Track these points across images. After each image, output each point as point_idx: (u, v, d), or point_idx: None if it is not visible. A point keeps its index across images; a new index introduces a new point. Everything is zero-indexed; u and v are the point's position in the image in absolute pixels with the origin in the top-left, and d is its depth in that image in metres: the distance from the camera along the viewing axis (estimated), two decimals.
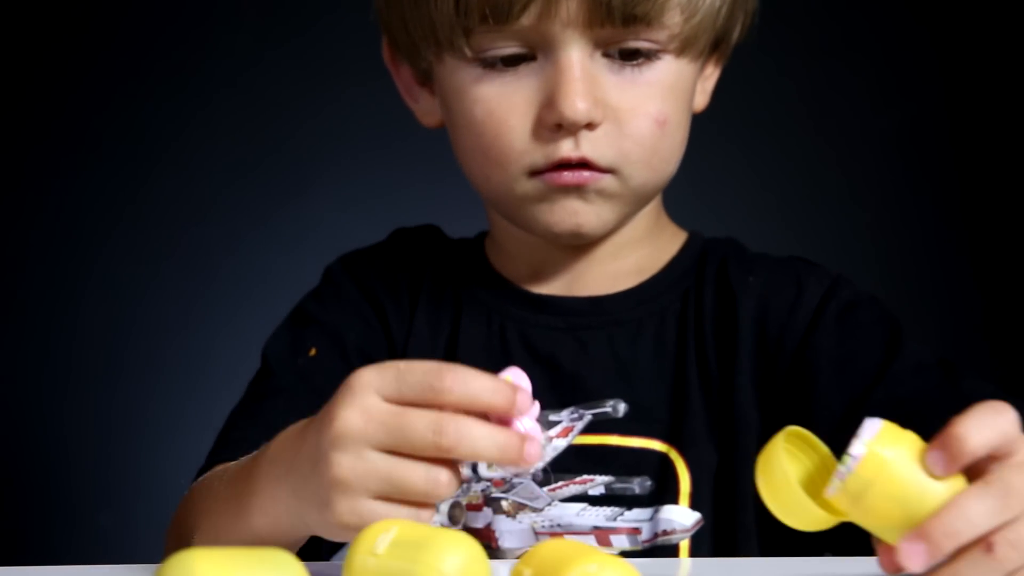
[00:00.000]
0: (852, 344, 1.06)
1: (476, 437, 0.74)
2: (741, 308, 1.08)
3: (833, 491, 0.71)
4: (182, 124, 2.30)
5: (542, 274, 1.13)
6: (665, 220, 1.16)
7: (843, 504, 0.71)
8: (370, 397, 0.75)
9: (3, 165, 2.29)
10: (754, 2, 1.12)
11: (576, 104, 1.00)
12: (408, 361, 0.76)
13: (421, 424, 0.74)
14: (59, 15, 2.28)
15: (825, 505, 0.72)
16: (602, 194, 1.05)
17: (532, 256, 1.13)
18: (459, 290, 1.14)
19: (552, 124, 1.02)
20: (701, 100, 1.14)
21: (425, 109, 1.14)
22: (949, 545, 0.68)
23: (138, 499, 2.24)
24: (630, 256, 1.13)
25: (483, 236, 1.19)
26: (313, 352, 1.11)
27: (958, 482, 0.71)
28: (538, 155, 1.03)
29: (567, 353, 1.09)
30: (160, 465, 2.23)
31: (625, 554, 0.97)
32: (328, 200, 2.29)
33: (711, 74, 1.14)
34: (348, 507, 0.75)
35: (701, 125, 1.13)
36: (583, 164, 1.03)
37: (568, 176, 1.03)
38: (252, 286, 2.28)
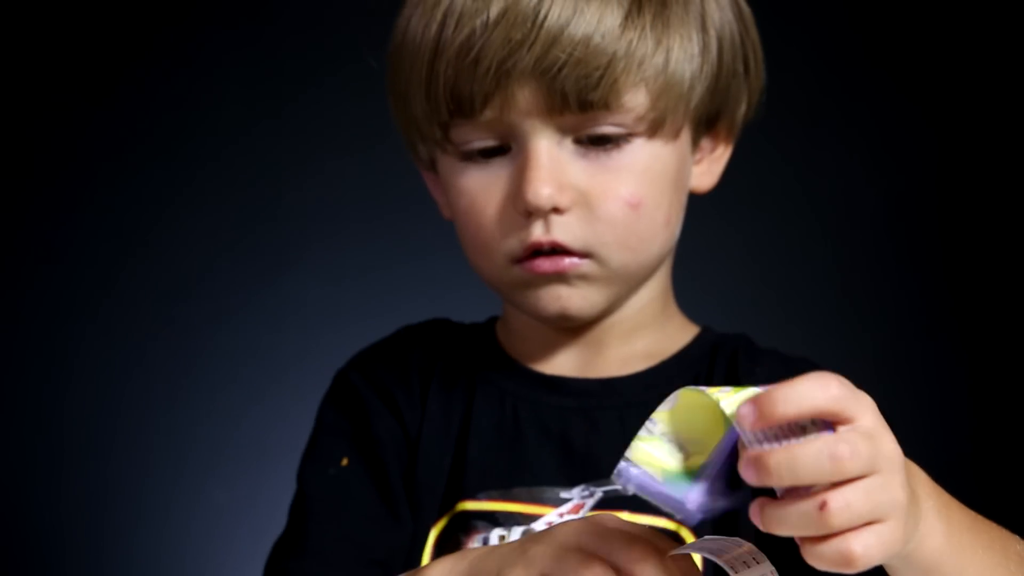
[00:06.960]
0: None
1: None
2: None
3: None
4: (166, 201, 2.30)
5: (554, 357, 1.15)
6: (674, 309, 1.19)
7: None
8: None
9: None
10: (759, 81, 1.15)
11: (539, 190, 1.03)
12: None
13: None
14: (41, 87, 2.28)
15: None
16: (584, 278, 1.08)
17: (543, 339, 1.15)
18: (472, 374, 1.16)
19: (523, 211, 1.05)
20: (706, 180, 1.16)
21: (443, 203, 1.18)
22: (773, 412, 0.68)
23: None
24: (639, 342, 1.15)
25: (494, 321, 1.22)
26: (345, 462, 1.13)
27: None
28: (514, 242, 1.07)
29: (579, 432, 1.10)
30: (151, 551, 2.21)
31: None
32: (314, 275, 2.29)
33: (720, 154, 1.17)
34: None
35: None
36: (558, 250, 1.06)
37: (546, 264, 1.06)
38: (239, 363, 2.27)
